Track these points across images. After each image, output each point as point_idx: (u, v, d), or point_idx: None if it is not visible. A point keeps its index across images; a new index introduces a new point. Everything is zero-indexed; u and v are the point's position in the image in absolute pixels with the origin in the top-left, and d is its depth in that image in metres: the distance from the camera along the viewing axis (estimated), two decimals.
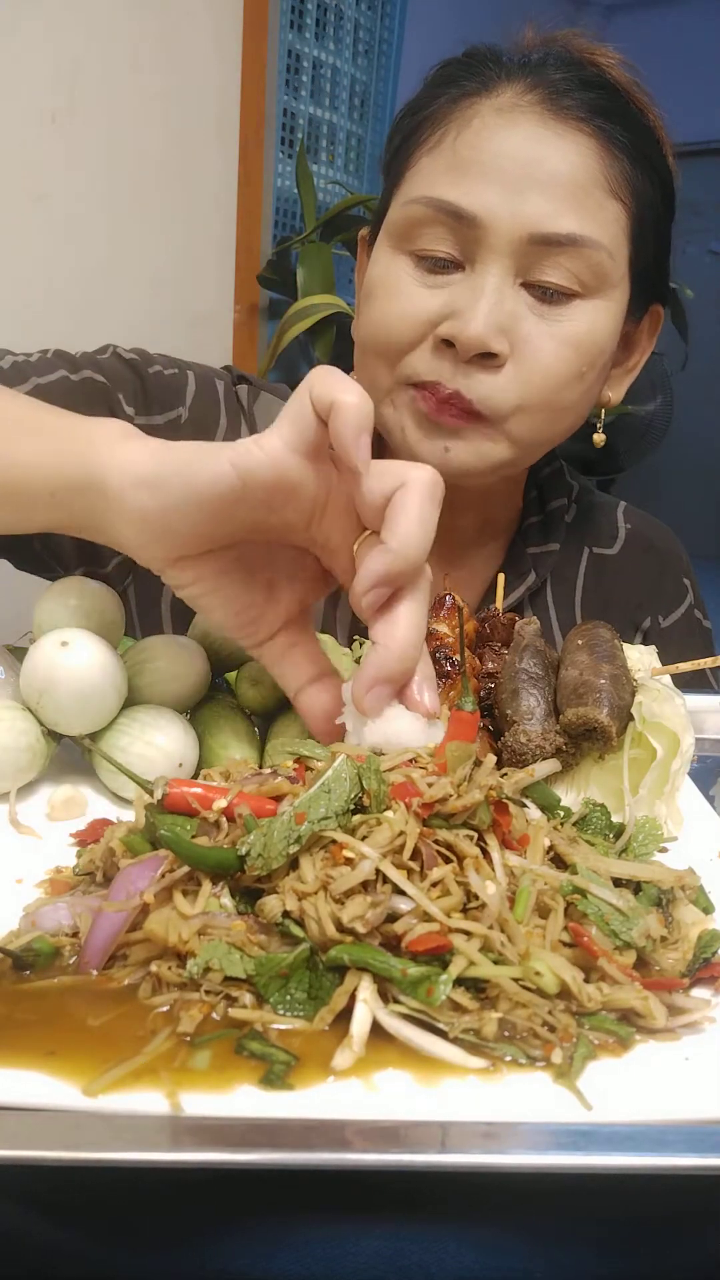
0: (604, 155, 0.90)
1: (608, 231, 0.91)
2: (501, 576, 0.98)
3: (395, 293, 0.93)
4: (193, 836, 0.57)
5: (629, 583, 1.16)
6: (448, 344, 0.90)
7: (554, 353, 0.90)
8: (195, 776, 0.74)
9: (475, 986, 0.51)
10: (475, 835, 0.58)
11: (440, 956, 0.51)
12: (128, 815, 0.71)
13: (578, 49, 0.96)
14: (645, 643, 1.12)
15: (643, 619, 1.16)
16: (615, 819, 0.71)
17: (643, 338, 1.04)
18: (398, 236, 0.94)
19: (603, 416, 1.06)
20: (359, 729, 0.64)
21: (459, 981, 0.51)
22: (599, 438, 1.07)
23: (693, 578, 1.21)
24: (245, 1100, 0.45)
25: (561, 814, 0.70)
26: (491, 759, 0.62)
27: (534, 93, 0.91)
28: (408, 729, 0.63)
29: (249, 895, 0.56)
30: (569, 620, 1.13)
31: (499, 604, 0.92)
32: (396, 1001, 0.50)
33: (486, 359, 0.89)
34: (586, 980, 0.53)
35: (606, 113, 0.91)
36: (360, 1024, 0.49)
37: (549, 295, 0.90)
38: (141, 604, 1.09)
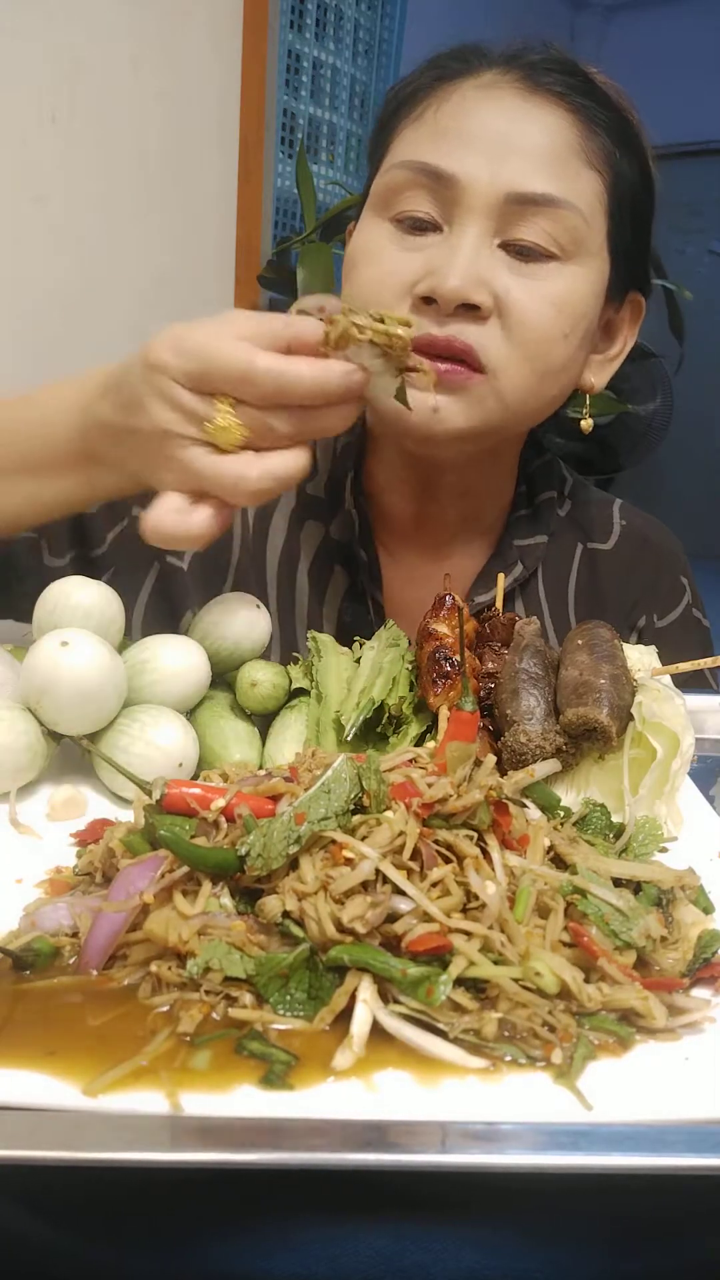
0: (582, 129, 0.92)
1: (584, 198, 0.92)
2: (501, 577, 0.97)
3: (374, 257, 0.94)
4: (191, 837, 0.57)
5: (624, 579, 1.14)
6: (428, 301, 0.90)
7: (536, 309, 0.91)
8: (195, 777, 0.74)
9: (475, 986, 0.51)
10: (475, 835, 0.58)
11: (440, 956, 0.51)
12: (128, 815, 0.71)
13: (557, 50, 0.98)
14: (641, 642, 1.11)
15: (638, 618, 1.15)
16: (615, 819, 0.71)
17: (624, 326, 1.05)
18: (379, 204, 0.95)
19: (587, 403, 1.06)
20: None
21: (459, 982, 0.51)
22: (586, 424, 1.07)
23: (690, 576, 1.19)
24: (245, 1100, 0.45)
25: (561, 814, 0.70)
26: (491, 759, 0.62)
27: (514, 72, 0.93)
28: None
29: (249, 895, 0.56)
30: (561, 615, 1.12)
31: (499, 603, 0.92)
32: (396, 1001, 0.50)
33: (469, 311, 0.89)
34: (586, 980, 0.53)
35: (585, 93, 0.93)
36: (360, 1024, 0.49)
37: (526, 254, 0.91)
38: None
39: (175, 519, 0.72)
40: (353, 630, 0.97)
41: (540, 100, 0.92)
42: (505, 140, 0.90)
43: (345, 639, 0.90)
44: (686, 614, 1.16)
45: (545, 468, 1.14)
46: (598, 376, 1.04)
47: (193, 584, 1.06)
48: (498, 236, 0.91)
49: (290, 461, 0.72)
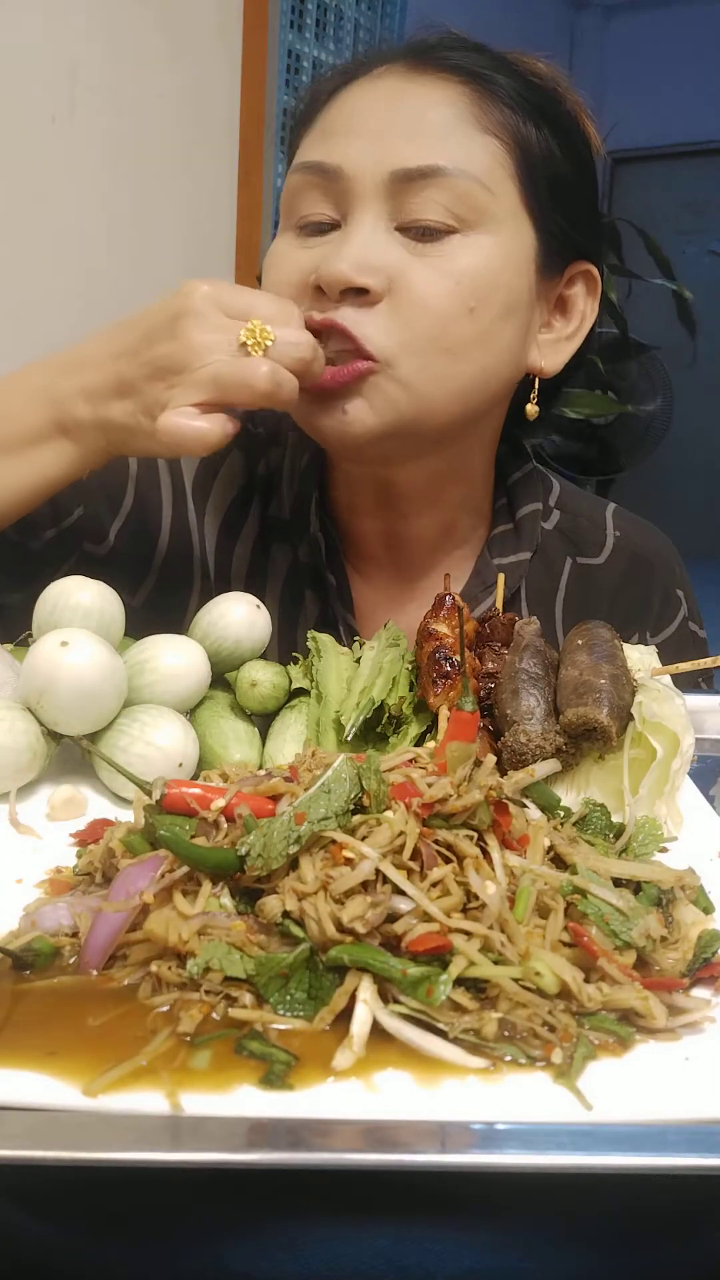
0: (474, 97, 0.90)
1: (478, 163, 0.88)
2: (502, 577, 0.97)
3: (277, 265, 0.93)
4: (191, 837, 0.57)
5: (616, 596, 1.08)
6: (321, 291, 0.88)
7: (431, 284, 0.87)
8: (195, 777, 0.74)
9: (475, 986, 0.51)
10: (475, 835, 0.58)
11: (440, 956, 0.51)
12: (127, 815, 0.71)
13: (510, 53, 0.97)
14: None
15: (630, 634, 1.08)
16: (615, 819, 0.71)
17: (579, 302, 1.00)
18: (285, 215, 0.95)
19: (536, 387, 0.99)
20: None
21: (459, 981, 0.51)
22: (531, 409, 1.00)
23: (687, 587, 1.13)
24: (245, 1100, 0.45)
25: (561, 814, 0.70)
26: (491, 759, 0.62)
27: (402, 57, 0.92)
28: None
29: (249, 895, 0.56)
30: (549, 632, 1.05)
31: (499, 603, 0.92)
32: (396, 1001, 0.50)
33: (359, 296, 0.86)
34: (586, 980, 0.53)
35: (482, 65, 0.91)
36: (360, 1024, 0.49)
37: (424, 234, 0.88)
38: None
39: (190, 421, 0.80)
40: (359, 633, 0.95)
41: (426, 78, 0.90)
42: (388, 122, 0.88)
43: (351, 641, 0.89)
44: (682, 629, 1.11)
45: (527, 479, 1.09)
46: (549, 359, 0.98)
47: (152, 618, 1.02)
48: (393, 220, 0.88)
49: (285, 373, 0.80)
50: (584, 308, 1.00)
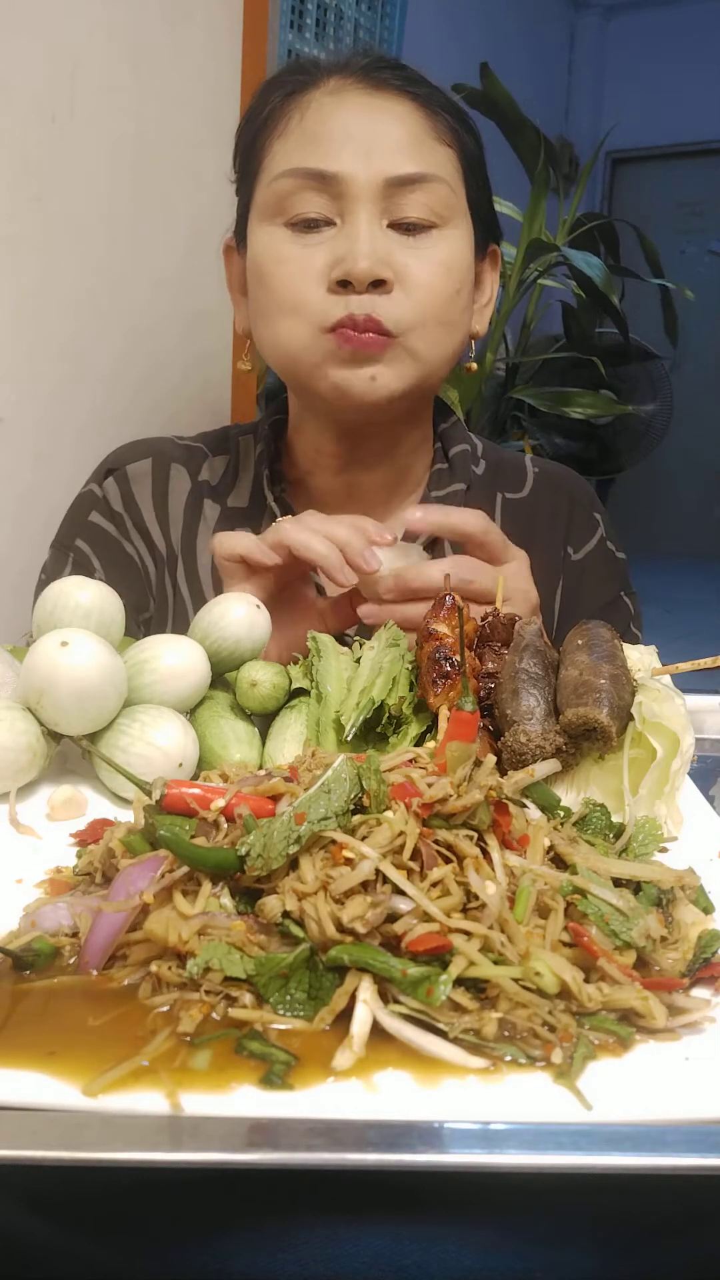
0: (425, 112, 1.07)
1: (445, 169, 1.07)
2: (501, 579, 0.98)
3: (283, 259, 1.06)
4: (191, 837, 0.57)
5: (544, 520, 1.25)
6: (343, 285, 1.02)
7: (430, 273, 1.05)
8: (195, 777, 0.74)
9: (475, 986, 0.51)
10: (475, 835, 0.58)
11: (440, 956, 0.51)
12: (127, 815, 0.71)
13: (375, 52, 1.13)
14: (562, 575, 1.23)
15: (555, 553, 1.25)
16: (615, 819, 0.71)
17: (487, 273, 1.20)
18: (270, 212, 1.07)
19: (473, 347, 1.20)
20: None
21: (459, 981, 0.51)
22: (472, 365, 1.22)
23: (602, 513, 1.30)
24: (245, 1100, 0.45)
25: (561, 814, 0.70)
26: (491, 759, 0.62)
27: (353, 77, 1.08)
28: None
29: (249, 895, 0.56)
30: None
31: (498, 602, 0.92)
32: (396, 1001, 0.50)
33: (378, 287, 1.03)
34: (586, 980, 0.53)
35: (417, 83, 1.09)
36: (360, 1024, 0.49)
37: (411, 229, 1.05)
38: None
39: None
40: (359, 633, 1.00)
41: (385, 95, 1.06)
42: (369, 135, 1.04)
43: (350, 641, 0.90)
44: (601, 547, 1.26)
45: (454, 427, 1.27)
46: (479, 323, 1.19)
47: (133, 629, 1.15)
48: (385, 218, 1.04)
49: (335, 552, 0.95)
50: (490, 279, 1.20)
